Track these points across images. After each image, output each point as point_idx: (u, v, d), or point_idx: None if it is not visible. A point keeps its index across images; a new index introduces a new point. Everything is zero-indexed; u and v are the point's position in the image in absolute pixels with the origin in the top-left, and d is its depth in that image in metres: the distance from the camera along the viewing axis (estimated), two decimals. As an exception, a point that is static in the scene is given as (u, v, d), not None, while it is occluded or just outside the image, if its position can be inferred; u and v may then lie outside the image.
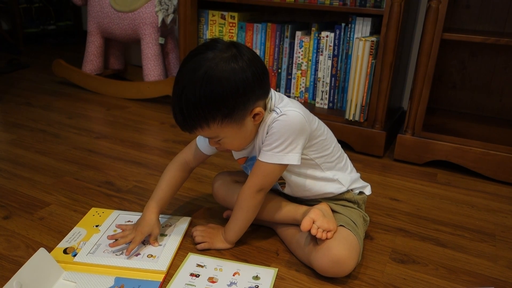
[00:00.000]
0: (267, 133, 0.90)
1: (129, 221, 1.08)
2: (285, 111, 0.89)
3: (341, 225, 0.93)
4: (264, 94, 0.90)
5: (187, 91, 0.83)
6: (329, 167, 1.00)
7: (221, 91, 0.82)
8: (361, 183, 1.07)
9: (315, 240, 0.92)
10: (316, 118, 0.99)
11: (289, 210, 1.00)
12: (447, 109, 1.85)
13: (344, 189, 1.01)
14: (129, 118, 1.91)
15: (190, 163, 1.06)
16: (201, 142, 1.04)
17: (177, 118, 0.87)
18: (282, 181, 1.01)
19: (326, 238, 0.88)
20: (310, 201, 1.02)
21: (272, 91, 0.94)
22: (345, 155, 1.07)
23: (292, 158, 0.89)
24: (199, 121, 0.85)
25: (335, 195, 1.01)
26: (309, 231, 0.89)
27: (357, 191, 1.04)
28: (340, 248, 0.88)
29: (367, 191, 1.06)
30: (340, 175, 1.01)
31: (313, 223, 0.89)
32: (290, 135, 0.88)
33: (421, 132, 1.51)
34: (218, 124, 0.86)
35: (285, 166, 0.92)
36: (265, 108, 0.92)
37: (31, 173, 1.34)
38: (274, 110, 0.91)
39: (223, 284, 0.88)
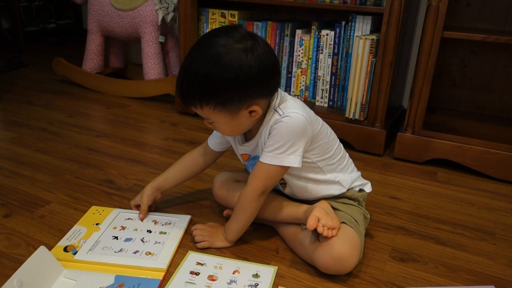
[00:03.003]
0: (269, 134, 0.90)
1: (129, 219, 1.09)
2: (288, 112, 0.89)
3: (342, 222, 0.93)
4: (268, 94, 0.89)
5: (191, 68, 0.84)
6: (331, 169, 1.00)
7: (220, 79, 0.82)
8: (361, 181, 1.07)
9: (317, 238, 0.92)
10: (320, 119, 0.99)
11: (290, 210, 1.00)
12: (447, 108, 1.85)
13: (344, 190, 1.01)
14: (130, 117, 1.91)
15: (203, 156, 1.10)
16: (211, 138, 1.08)
17: (177, 90, 0.89)
18: (283, 181, 1.01)
19: (332, 236, 0.88)
20: (310, 201, 1.02)
21: (278, 90, 0.93)
22: (347, 155, 1.06)
23: (293, 160, 0.89)
24: (194, 100, 0.86)
25: (335, 195, 1.01)
26: (313, 229, 0.89)
27: (357, 189, 1.04)
28: (342, 246, 0.88)
29: (368, 188, 1.06)
30: (341, 177, 1.01)
31: (318, 221, 0.89)
32: (292, 137, 0.88)
33: (421, 131, 1.51)
34: (211, 108, 0.86)
35: (286, 168, 0.92)
36: (268, 106, 0.91)
37: (32, 171, 1.34)
38: (276, 111, 0.90)
39: (223, 282, 0.88)
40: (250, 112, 0.88)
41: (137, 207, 1.11)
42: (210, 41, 0.84)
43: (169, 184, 1.11)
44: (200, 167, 1.11)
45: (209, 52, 0.83)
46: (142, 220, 1.08)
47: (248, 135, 0.98)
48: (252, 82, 0.84)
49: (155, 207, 1.15)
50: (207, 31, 1.87)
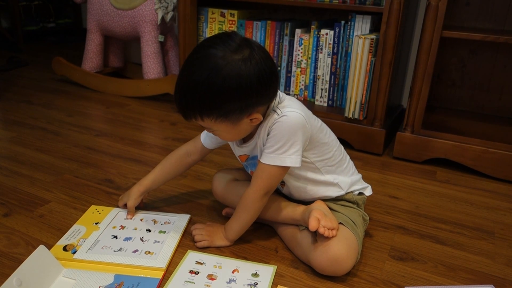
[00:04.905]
0: (268, 134, 0.90)
1: (128, 218, 1.09)
2: (286, 112, 0.88)
3: (340, 223, 0.93)
4: (267, 100, 0.89)
5: (190, 82, 0.83)
6: (330, 170, 0.99)
7: (221, 91, 0.82)
8: (362, 184, 1.06)
9: (314, 239, 0.92)
10: (319, 120, 0.99)
11: (287, 211, 1.00)
12: (447, 107, 1.85)
13: (342, 192, 1.00)
14: (129, 116, 1.91)
15: (191, 155, 1.09)
16: (204, 136, 1.07)
17: (176, 104, 0.88)
18: (282, 180, 1.01)
19: (332, 236, 0.88)
20: (307, 202, 1.02)
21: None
22: (348, 157, 1.06)
23: (294, 160, 0.89)
24: (195, 113, 0.86)
25: (334, 197, 1.01)
26: (315, 230, 0.89)
27: (357, 192, 1.04)
28: (339, 247, 0.88)
29: (367, 192, 1.06)
30: (341, 179, 1.01)
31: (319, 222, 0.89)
32: (291, 136, 0.88)
33: (421, 130, 1.51)
34: (212, 120, 0.86)
35: (287, 168, 0.92)
36: (267, 109, 0.91)
37: (31, 170, 1.34)
38: (275, 111, 0.90)
39: (223, 281, 0.88)
40: (251, 119, 0.88)
41: (126, 205, 1.12)
42: (207, 53, 0.83)
43: (156, 185, 1.11)
44: (187, 165, 1.11)
45: (207, 64, 0.82)
46: (131, 219, 1.08)
47: (246, 136, 0.98)
48: (253, 92, 0.83)
49: (153, 206, 1.15)
50: (207, 30, 1.88)
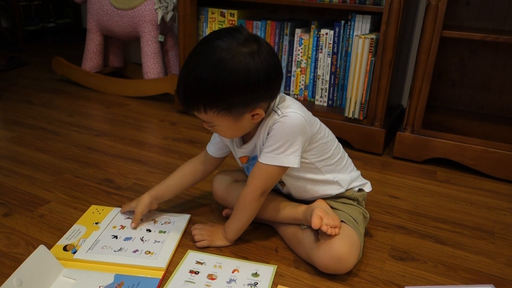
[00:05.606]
0: (267, 134, 0.90)
1: (128, 218, 1.09)
2: (286, 112, 0.88)
3: (341, 221, 0.93)
4: (271, 96, 0.89)
5: (194, 73, 0.82)
6: (330, 169, 0.99)
7: (227, 84, 0.81)
8: (361, 180, 1.06)
9: (316, 238, 0.92)
10: (318, 120, 0.99)
11: (288, 211, 1.00)
12: (447, 107, 1.85)
13: (342, 190, 1.01)
14: (129, 116, 1.91)
15: (201, 165, 1.08)
16: (210, 145, 1.07)
17: (179, 95, 0.87)
18: (281, 180, 1.01)
19: (335, 234, 0.88)
20: (308, 201, 1.02)
21: None
22: (346, 154, 1.06)
23: (292, 160, 0.89)
24: (198, 105, 0.85)
25: (334, 195, 1.01)
26: (318, 228, 0.89)
27: (357, 189, 1.04)
28: (341, 245, 0.88)
29: (367, 188, 1.06)
30: (340, 177, 1.01)
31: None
32: (291, 137, 0.88)
33: (421, 130, 1.51)
34: (215, 113, 0.85)
35: (285, 169, 0.92)
36: (267, 107, 0.91)
37: (31, 170, 1.34)
38: (275, 111, 0.90)
39: (223, 281, 0.88)
40: (253, 115, 0.88)
41: (129, 212, 1.09)
42: (213, 45, 0.82)
43: (169, 194, 1.09)
44: (200, 175, 1.09)
45: (213, 56, 0.81)
46: (135, 228, 1.05)
47: (246, 137, 0.98)
48: (260, 87, 0.83)
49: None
50: (207, 30, 1.88)
